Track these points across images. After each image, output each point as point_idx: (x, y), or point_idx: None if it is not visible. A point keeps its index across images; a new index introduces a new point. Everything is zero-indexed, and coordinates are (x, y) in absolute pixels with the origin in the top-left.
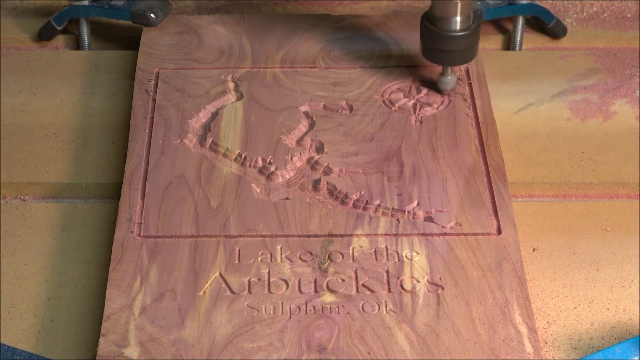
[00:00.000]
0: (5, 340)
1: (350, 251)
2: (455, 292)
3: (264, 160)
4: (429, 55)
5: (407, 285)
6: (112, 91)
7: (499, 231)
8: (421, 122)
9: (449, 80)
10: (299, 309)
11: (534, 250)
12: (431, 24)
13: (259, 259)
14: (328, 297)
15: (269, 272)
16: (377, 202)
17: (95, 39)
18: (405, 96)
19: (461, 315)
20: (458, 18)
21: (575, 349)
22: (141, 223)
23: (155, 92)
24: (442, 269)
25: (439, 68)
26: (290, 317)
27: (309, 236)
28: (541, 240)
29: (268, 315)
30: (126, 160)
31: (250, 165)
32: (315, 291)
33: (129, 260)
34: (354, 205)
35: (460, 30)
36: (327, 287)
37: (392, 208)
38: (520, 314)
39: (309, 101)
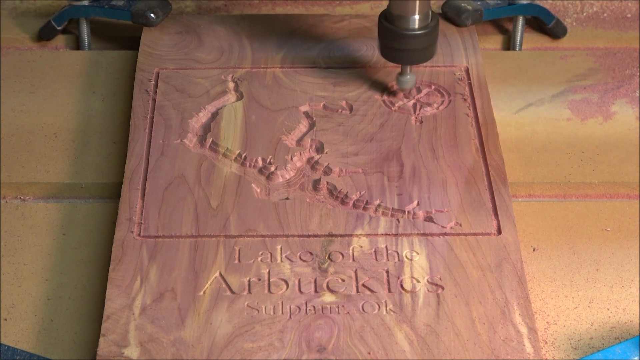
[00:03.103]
0: (5, 340)
1: (350, 251)
2: (455, 292)
3: (264, 160)
4: (388, 54)
5: (407, 285)
6: (112, 91)
7: (499, 231)
8: (421, 122)
9: (408, 79)
10: (299, 309)
11: (534, 250)
12: (389, 23)
13: (259, 259)
14: (328, 297)
15: (269, 272)
16: (377, 202)
17: (95, 39)
18: (405, 96)
19: (461, 315)
20: (416, 16)
21: (575, 349)
22: (141, 223)
23: (155, 92)
24: (442, 269)
25: (442, 68)
26: (290, 317)
27: (309, 236)
28: (541, 240)
29: (268, 315)
30: (126, 160)
31: (250, 165)
32: (315, 291)
33: (129, 260)
34: (354, 205)
35: (419, 29)
36: (327, 287)
37: (392, 208)
38: (520, 314)
39: (309, 101)
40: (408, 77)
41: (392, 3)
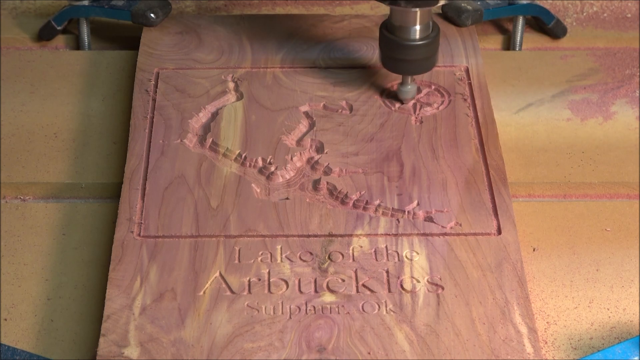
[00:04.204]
0: (5, 340)
1: (350, 251)
2: (455, 292)
3: (264, 160)
4: (389, 64)
5: (407, 285)
6: (112, 91)
7: (499, 231)
8: (421, 122)
9: (409, 89)
10: (299, 309)
11: (534, 250)
12: (390, 33)
13: (259, 259)
14: (328, 297)
15: (269, 272)
16: (377, 202)
17: (95, 39)
18: None
19: (461, 315)
20: (417, 27)
21: (575, 349)
22: (141, 223)
23: (155, 92)
24: (442, 269)
25: (442, 68)
26: (290, 317)
27: (309, 236)
28: (541, 240)
29: (268, 315)
30: (126, 160)
31: (250, 165)
32: (315, 291)
33: (129, 260)
34: (354, 205)
35: (420, 40)
36: (327, 287)
37: (392, 208)
38: (520, 314)
39: (309, 101)
40: (409, 87)
41: (393, 14)
